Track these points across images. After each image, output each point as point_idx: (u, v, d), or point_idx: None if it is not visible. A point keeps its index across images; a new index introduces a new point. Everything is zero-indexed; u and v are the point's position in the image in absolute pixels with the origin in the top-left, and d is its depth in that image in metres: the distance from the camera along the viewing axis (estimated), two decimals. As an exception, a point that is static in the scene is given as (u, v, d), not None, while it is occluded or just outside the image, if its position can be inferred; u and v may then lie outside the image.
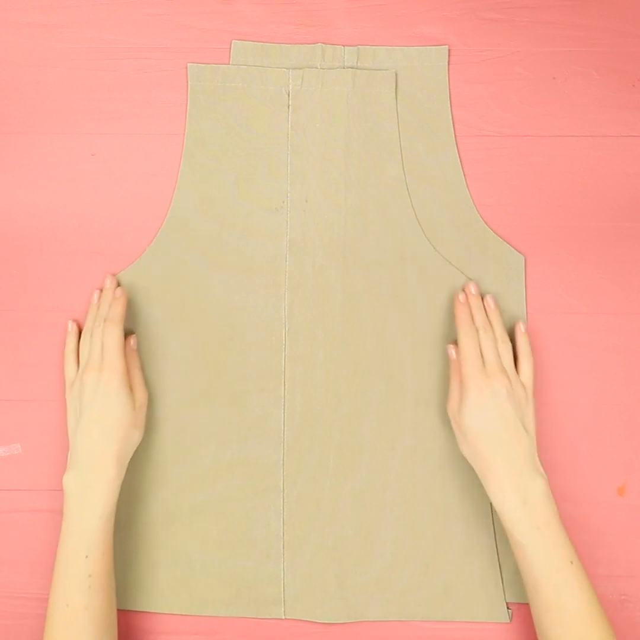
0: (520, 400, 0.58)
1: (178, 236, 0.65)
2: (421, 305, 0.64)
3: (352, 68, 0.66)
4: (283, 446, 0.62)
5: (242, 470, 0.62)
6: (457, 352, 0.60)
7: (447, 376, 0.62)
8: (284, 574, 0.60)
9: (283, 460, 0.62)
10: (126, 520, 0.61)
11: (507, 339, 0.60)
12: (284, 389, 0.63)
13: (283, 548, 0.61)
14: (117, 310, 0.60)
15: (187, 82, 0.67)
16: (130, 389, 0.59)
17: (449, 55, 0.68)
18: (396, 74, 0.67)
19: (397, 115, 0.66)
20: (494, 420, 0.56)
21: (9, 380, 0.64)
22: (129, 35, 0.69)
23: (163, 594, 0.60)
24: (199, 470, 0.62)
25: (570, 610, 0.53)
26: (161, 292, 0.64)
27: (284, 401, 0.62)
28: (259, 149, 0.66)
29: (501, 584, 0.60)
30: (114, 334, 0.58)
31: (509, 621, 0.60)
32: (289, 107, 0.66)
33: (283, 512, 0.61)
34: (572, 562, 0.54)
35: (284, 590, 0.60)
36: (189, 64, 0.67)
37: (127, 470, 0.59)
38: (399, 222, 0.65)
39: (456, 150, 0.66)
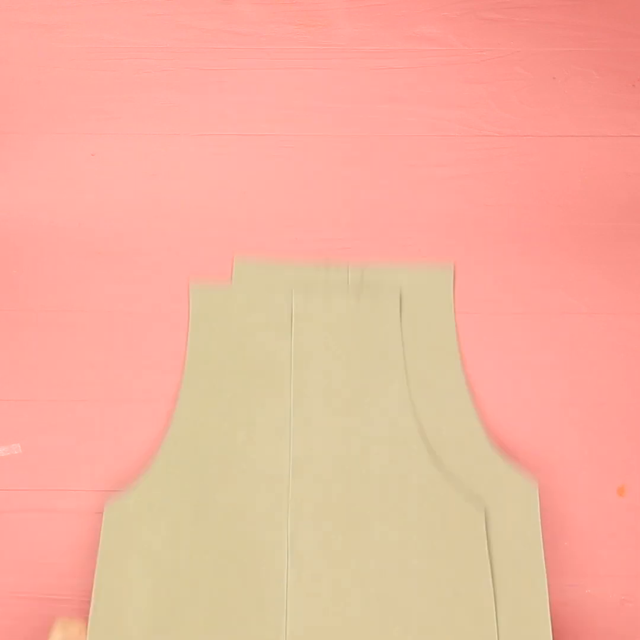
0: None
1: (179, 455, 0.63)
2: (422, 527, 0.61)
3: (356, 288, 0.66)
4: None
5: None
6: None
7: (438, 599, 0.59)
8: None
9: None
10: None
11: None
12: (286, 618, 0.59)
13: None
14: None
15: (188, 300, 0.66)
16: None
17: (454, 276, 0.67)
18: (400, 293, 0.66)
19: (402, 333, 0.66)
20: None
21: (9, 380, 0.64)
22: (129, 35, 0.69)
23: None
24: None
25: None
26: (162, 511, 0.61)
27: (286, 627, 0.59)
28: (262, 369, 0.65)
29: None
30: None
31: None
32: (291, 330, 0.66)
33: None
34: None
35: None
36: (191, 284, 0.66)
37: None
38: (403, 440, 0.64)
39: (461, 369, 0.65)
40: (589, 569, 0.61)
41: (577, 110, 0.69)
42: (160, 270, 0.66)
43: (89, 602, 0.61)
